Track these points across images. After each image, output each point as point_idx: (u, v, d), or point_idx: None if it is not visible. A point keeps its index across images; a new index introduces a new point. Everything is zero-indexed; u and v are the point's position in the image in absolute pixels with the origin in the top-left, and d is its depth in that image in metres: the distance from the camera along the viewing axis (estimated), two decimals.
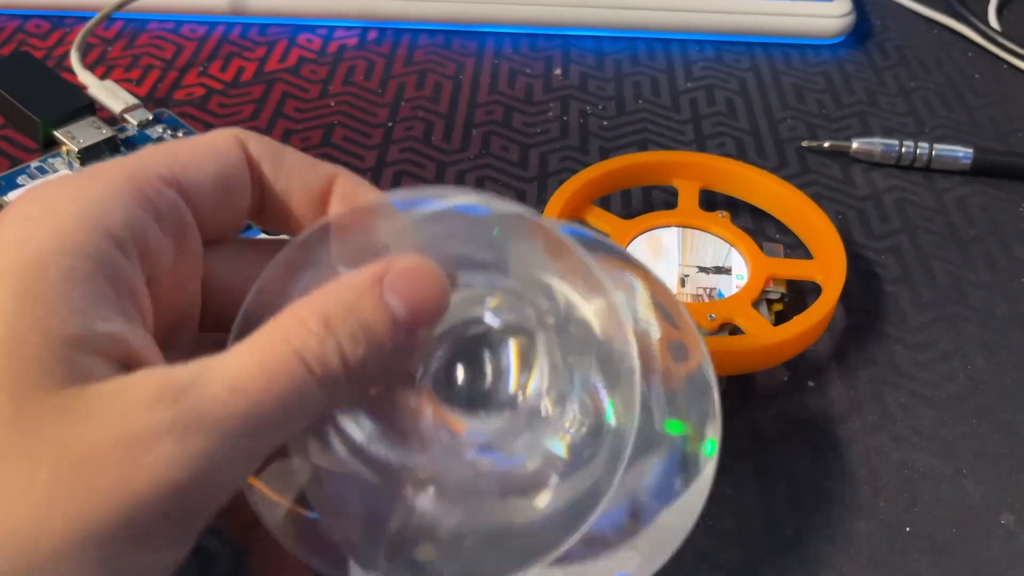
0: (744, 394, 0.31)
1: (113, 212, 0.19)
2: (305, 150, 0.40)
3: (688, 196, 0.36)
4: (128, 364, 0.17)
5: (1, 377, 0.16)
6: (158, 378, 0.17)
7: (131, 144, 0.38)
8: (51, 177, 0.20)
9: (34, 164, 0.36)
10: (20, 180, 0.36)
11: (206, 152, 0.21)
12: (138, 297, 0.19)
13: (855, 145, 0.41)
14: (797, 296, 0.34)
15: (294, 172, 0.22)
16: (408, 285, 0.19)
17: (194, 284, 0.21)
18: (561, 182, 0.36)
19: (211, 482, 0.17)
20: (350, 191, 0.22)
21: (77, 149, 0.36)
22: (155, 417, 0.16)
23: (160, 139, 0.38)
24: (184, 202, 0.20)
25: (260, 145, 0.22)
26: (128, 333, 0.18)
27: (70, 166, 0.36)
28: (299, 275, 0.21)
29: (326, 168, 0.23)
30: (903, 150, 0.41)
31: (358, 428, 0.21)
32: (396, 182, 0.39)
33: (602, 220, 0.35)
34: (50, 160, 0.37)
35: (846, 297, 0.32)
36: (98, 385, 0.16)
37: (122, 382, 0.17)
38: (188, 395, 0.16)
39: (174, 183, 0.20)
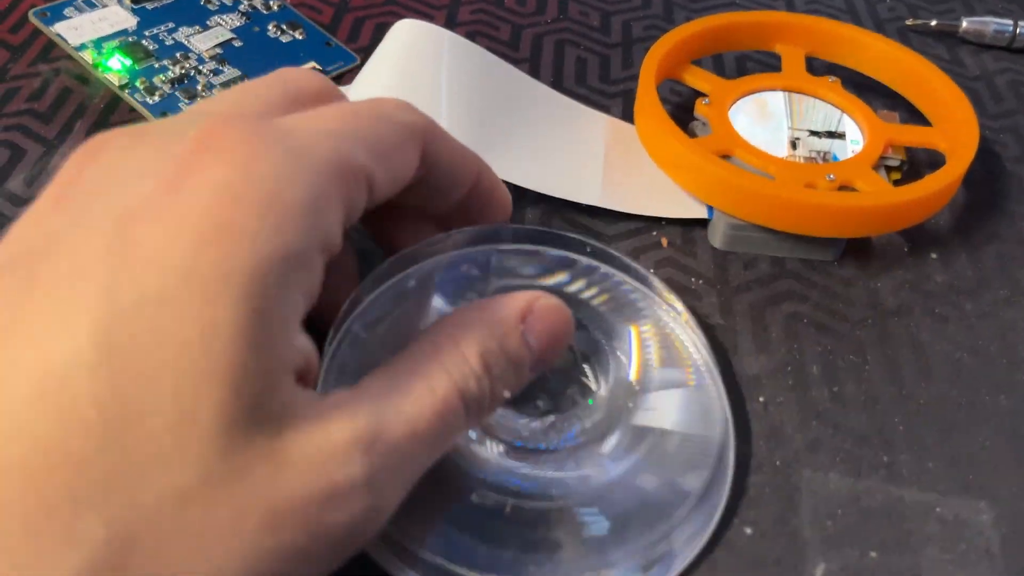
0: (861, 261, 0.29)
1: (328, 214, 0.17)
2: (368, 6, 0.37)
3: (793, 61, 0.33)
4: (302, 374, 0.17)
5: (216, 408, 0.15)
6: (348, 422, 0.16)
7: None
8: (234, 111, 0.18)
9: None
10: (67, 12, 0.33)
11: (396, 146, 0.19)
12: (315, 299, 0.17)
13: (965, 24, 0.38)
14: (912, 168, 0.31)
15: (456, 167, 0.22)
16: (547, 326, 0.20)
17: None
18: (647, 50, 0.33)
19: (383, 519, 0.17)
20: (487, 190, 0.23)
21: None
22: (351, 469, 0.16)
23: None
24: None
25: (441, 144, 0.21)
26: (310, 346, 0.17)
27: (120, 2, 0.33)
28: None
29: (474, 161, 0.23)
30: (1017, 31, 0.38)
31: None
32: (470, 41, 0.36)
33: (703, 80, 0.32)
34: None
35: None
36: (297, 429, 0.16)
37: (316, 426, 0.16)
38: (377, 444, 0.16)
39: (369, 179, 0.18)
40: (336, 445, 0.16)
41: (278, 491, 0.15)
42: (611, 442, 0.22)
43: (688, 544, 0.21)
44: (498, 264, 0.24)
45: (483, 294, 0.23)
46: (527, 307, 0.20)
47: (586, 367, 0.24)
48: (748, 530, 0.22)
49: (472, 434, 0.22)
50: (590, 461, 0.22)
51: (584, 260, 0.24)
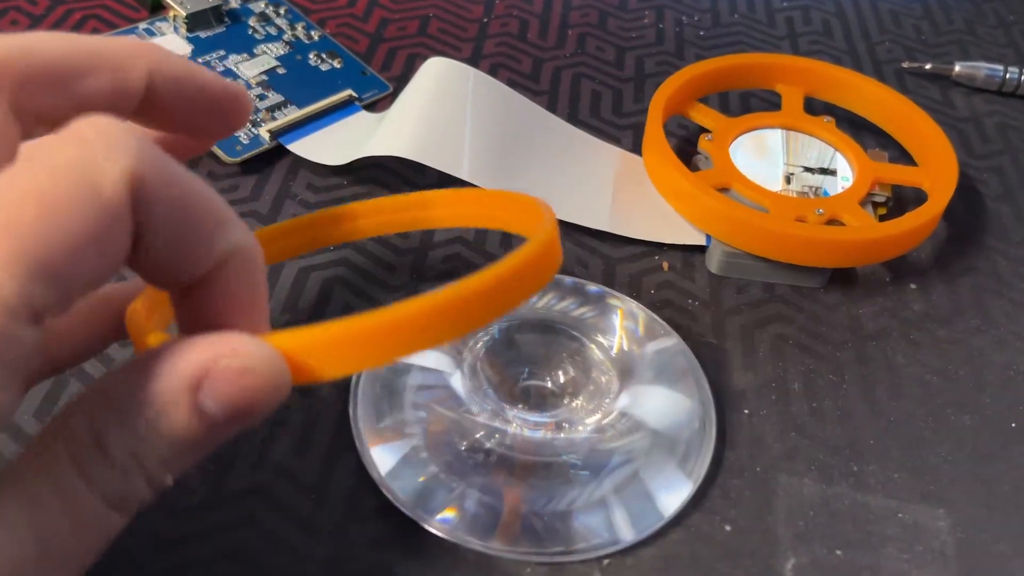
0: (846, 289, 0.31)
1: None
2: (401, 38, 0.40)
3: (792, 101, 0.36)
4: None
5: None
6: None
7: (234, 16, 0.38)
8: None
9: (142, 26, 0.36)
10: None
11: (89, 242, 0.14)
12: None
13: (958, 68, 0.41)
14: (898, 204, 0.34)
15: (184, 247, 0.16)
16: (234, 388, 0.15)
17: None
18: (658, 84, 0.36)
19: None
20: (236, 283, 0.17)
21: (184, 14, 0.36)
22: None
23: (262, 14, 0.38)
24: None
25: (166, 213, 0.16)
26: None
27: (176, 31, 0.36)
28: None
29: (214, 242, 0.16)
30: (1007, 76, 0.40)
31: None
32: (493, 73, 0.39)
33: (707, 116, 0.35)
34: (158, 23, 0.37)
35: (947, 210, 0.32)
36: None
37: None
38: None
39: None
40: None
41: None
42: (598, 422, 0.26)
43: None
44: None
45: None
46: (200, 368, 0.15)
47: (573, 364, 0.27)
48: (728, 527, 0.24)
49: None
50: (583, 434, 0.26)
51: (589, 287, 0.28)
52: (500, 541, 0.23)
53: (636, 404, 0.26)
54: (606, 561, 0.23)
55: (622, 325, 0.28)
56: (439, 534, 0.23)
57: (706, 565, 0.23)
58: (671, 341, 0.28)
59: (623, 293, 0.30)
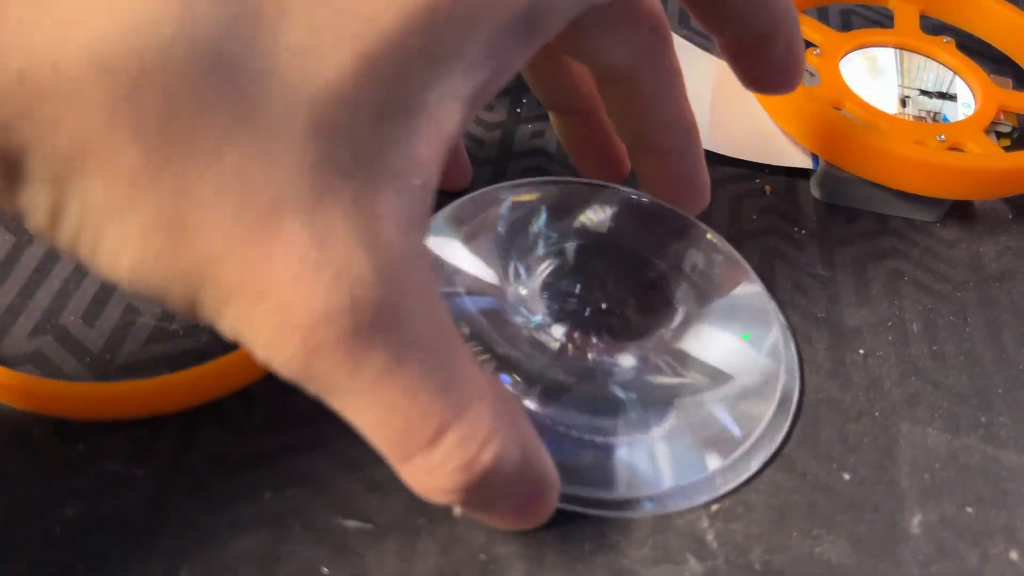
0: (964, 225, 0.28)
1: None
2: None
3: (906, 18, 0.33)
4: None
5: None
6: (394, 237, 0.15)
7: None
8: None
9: None
10: None
11: None
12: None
13: None
14: (1022, 138, 0.31)
15: None
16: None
17: None
18: None
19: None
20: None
21: None
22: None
23: None
24: None
25: None
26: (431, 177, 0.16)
27: None
28: None
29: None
30: None
31: None
32: None
33: (813, 29, 0.32)
34: None
35: None
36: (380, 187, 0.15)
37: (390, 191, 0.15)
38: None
39: None
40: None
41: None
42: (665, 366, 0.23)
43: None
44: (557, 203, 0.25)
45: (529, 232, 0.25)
46: None
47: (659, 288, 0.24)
48: (846, 475, 0.22)
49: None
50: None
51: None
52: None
53: (698, 342, 0.23)
54: (715, 507, 0.21)
55: (697, 257, 0.25)
56: None
57: (825, 517, 0.21)
58: (753, 288, 0.25)
59: (722, 217, 0.27)
